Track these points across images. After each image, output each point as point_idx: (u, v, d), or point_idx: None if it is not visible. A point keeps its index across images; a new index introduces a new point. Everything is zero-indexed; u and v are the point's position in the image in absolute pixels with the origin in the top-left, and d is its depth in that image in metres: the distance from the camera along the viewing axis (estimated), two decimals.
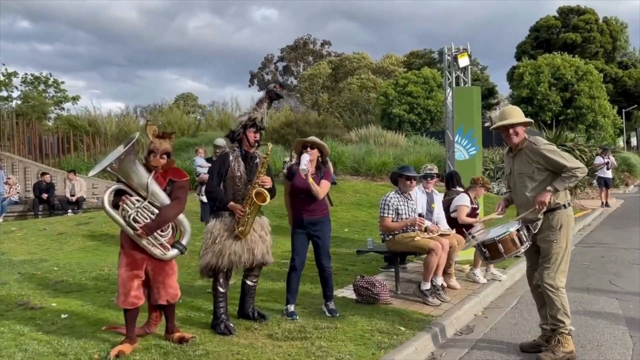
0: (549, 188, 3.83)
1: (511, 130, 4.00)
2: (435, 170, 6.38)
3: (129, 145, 3.70)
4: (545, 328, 4.09)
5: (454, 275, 5.93)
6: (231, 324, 4.33)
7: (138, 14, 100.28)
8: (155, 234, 3.79)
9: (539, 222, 3.96)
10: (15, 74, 33.22)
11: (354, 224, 10.46)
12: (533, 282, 4.17)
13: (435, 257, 5.16)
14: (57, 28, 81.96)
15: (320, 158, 4.75)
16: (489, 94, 34.98)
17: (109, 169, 3.73)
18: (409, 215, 5.53)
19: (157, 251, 3.81)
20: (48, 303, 5.19)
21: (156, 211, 3.79)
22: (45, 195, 13.47)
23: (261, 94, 4.60)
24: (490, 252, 4.10)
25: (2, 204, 12.87)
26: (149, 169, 3.87)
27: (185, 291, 5.63)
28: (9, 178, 13.98)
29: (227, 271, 4.37)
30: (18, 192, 13.88)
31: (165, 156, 3.90)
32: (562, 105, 26.78)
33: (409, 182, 5.58)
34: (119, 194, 3.83)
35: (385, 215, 5.48)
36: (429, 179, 6.19)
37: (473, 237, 4.40)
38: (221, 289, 4.39)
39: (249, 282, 4.61)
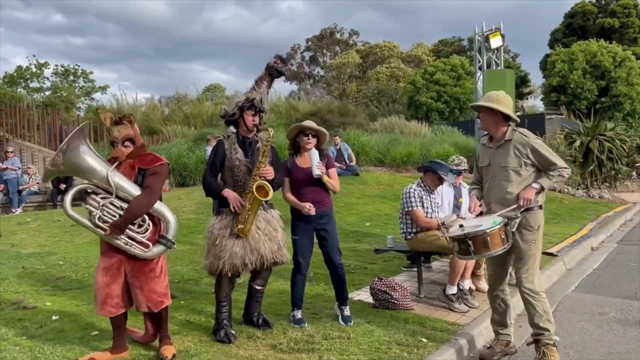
0: (534, 185, 3.54)
1: (484, 116, 3.67)
2: (464, 165, 5.81)
3: (70, 136, 3.25)
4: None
5: (483, 277, 5.36)
6: (233, 331, 3.88)
7: (166, 5, 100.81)
8: (129, 231, 3.33)
9: (517, 221, 3.58)
10: (46, 64, 33.46)
11: (377, 217, 9.92)
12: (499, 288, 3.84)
13: None
14: (88, 21, 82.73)
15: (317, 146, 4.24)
16: (521, 82, 33.66)
17: (50, 167, 3.29)
18: (432, 209, 5.00)
19: (136, 250, 3.34)
20: (42, 302, 4.87)
21: (125, 206, 3.31)
22: (63, 186, 13.27)
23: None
24: (475, 245, 3.47)
25: (17, 193, 12.78)
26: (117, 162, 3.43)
27: (189, 290, 5.25)
28: (29, 168, 13.88)
29: (231, 274, 3.92)
30: (38, 183, 13.75)
31: (128, 143, 3.44)
32: (597, 94, 25.54)
33: (438, 182, 5.07)
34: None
35: (415, 207, 4.94)
36: (457, 175, 5.68)
37: (444, 225, 3.99)
38: (224, 292, 3.94)
39: (255, 286, 4.13)
